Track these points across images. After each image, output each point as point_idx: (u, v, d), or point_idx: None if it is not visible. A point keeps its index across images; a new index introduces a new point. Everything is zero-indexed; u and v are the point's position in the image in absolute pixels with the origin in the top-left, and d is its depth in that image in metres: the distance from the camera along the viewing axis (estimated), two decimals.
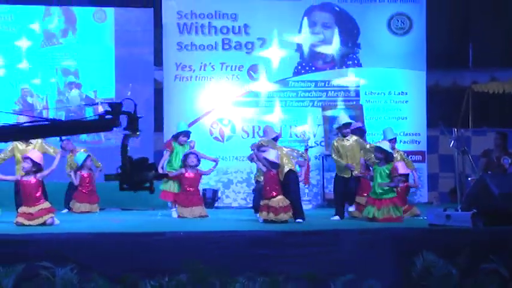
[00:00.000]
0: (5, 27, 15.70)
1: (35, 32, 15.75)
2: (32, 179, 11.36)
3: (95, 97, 15.77)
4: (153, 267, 9.52)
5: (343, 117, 12.46)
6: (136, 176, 6.85)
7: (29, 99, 15.76)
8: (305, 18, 15.81)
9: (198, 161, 12.80)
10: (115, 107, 6.72)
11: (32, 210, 11.26)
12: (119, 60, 15.91)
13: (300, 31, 15.79)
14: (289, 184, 11.68)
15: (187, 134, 12.95)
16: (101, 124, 6.90)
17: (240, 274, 9.38)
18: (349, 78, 15.83)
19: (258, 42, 15.69)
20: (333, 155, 12.32)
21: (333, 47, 15.90)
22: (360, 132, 12.83)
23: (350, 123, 12.48)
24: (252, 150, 12.23)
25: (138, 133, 6.76)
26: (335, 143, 12.41)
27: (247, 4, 15.65)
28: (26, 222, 11.17)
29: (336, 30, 15.91)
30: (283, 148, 12.21)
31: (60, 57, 15.89)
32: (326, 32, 15.92)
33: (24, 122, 6.98)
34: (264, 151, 11.72)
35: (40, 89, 15.84)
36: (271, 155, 11.63)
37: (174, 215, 12.80)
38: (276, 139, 12.36)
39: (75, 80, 15.93)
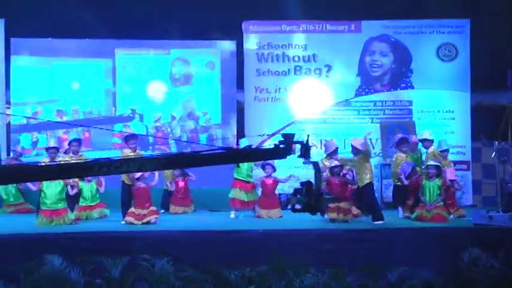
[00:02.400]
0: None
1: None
2: (143, 185, 11.70)
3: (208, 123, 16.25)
4: (237, 259, 9.66)
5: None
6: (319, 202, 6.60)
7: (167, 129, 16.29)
8: (365, 48, 15.81)
9: (274, 169, 13.04)
10: (288, 137, 6.69)
11: (142, 211, 11.50)
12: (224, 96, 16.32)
13: (360, 59, 15.81)
14: (368, 192, 11.96)
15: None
16: (277, 152, 6.75)
17: (311, 266, 9.48)
18: (403, 98, 15.80)
19: (325, 68, 15.77)
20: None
21: (389, 72, 15.89)
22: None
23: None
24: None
25: (310, 159, 6.66)
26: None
27: (316, 36, 15.76)
28: (134, 222, 11.40)
29: (392, 58, 15.90)
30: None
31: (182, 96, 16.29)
32: (383, 59, 15.91)
33: (203, 150, 6.80)
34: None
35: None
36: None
37: (232, 215, 13.01)
38: (335, 151, 12.58)
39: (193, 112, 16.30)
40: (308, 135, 7.28)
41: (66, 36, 15.60)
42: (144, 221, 11.45)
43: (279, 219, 12.55)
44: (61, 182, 11.71)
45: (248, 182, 13.17)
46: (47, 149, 12.95)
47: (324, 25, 15.86)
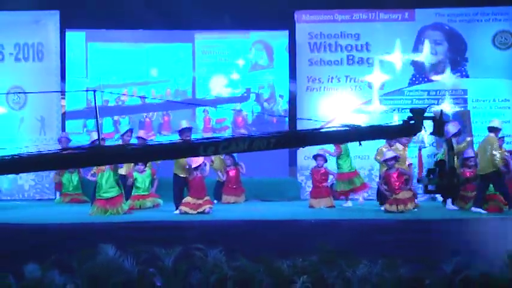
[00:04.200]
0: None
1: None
2: (199, 175, 11.76)
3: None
4: (289, 249, 9.63)
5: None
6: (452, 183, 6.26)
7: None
8: (419, 36, 15.61)
9: (325, 160, 13.03)
10: (418, 113, 6.25)
11: (198, 201, 11.55)
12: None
13: (414, 47, 15.62)
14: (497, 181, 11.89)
15: None
16: (405, 129, 6.42)
17: (363, 256, 9.40)
18: (458, 87, 15.55)
19: (378, 57, 15.62)
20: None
21: (443, 61, 15.67)
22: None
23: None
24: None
25: (445, 137, 6.22)
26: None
27: (368, 25, 15.62)
28: (190, 211, 11.46)
29: (446, 46, 15.67)
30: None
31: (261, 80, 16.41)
32: (437, 48, 15.70)
33: (317, 129, 6.49)
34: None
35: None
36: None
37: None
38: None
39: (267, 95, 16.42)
40: (441, 110, 6.85)
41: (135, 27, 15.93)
42: (200, 210, 11.54)
43: (332, 209, 12.52)
44: (109, 170, 11.86)
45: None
46: (123, 134, 13.24)
47: (377, 14, 15.70)
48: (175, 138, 13.81)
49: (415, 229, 10.25)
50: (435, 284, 9.29)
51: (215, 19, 15.64)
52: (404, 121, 6.18)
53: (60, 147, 12.67)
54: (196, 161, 11.71)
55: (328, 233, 9.96)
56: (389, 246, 9.85)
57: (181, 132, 12.48)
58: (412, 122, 6.16)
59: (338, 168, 13.44)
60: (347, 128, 6.57)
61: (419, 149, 14.18)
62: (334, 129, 6.48)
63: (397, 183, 11.82)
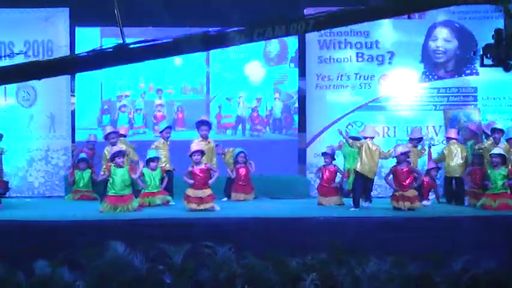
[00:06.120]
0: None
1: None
2: (200, 168, 11.76)
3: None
4: (298, 247, 9.65)
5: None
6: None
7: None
8: (428, 34, 15.59)
9: (333, 158, 13.08)
10: None
11: (201, 194, 11.56)
12: None
13: (423, 45, 15.59)
14: None
15: None
16: None
17: (372, 254, 9.41)
18: (468, 85, 15.53)
19: (387, 55, 15.61)
20: None
21: (453, 58, 15.65)
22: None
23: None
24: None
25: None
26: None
27: (378, 22, 15.53)
28: (197, 207, 11.46)
29: (456, 43, 15.63)
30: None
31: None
32: (447, 45, 15.66)
33: None
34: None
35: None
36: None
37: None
38: (420, 139, 13.43)
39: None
40: None
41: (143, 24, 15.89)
42: (202, 207, 11.50)
43: (340, 207, 12.53)
44: (127, 169, 11.88)
45: None
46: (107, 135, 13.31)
47: None
48: (190, 134, 13.99)
49: (423, 227, 10.25)
50: (444, 281, 9.31)
51: (225, 16, 15.67)
52: None
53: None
54: (191, 148, 11.79)
55: (337, 231, 9.97)
56: (398, 243, 9.86)
57: (199, 124, 12.60)
58: None
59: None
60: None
61: (429, 147, 14.17)
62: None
63: (406, 180, 11.78)
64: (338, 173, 13.15)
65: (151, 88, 16.16)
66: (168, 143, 13.44)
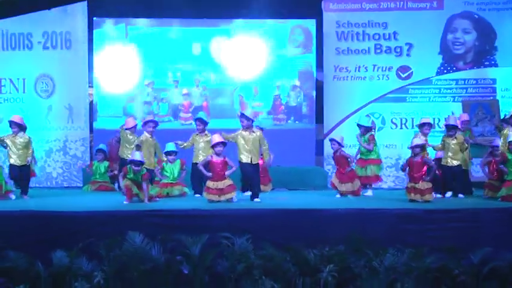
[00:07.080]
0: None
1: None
2: (220, 159, 11.72)
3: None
4: (316, 238, 9.61)
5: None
6: None
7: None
8: (447, 25, 15.49)
9: (339, 145, 12.84)
10: None
11: (221, 185, 11.55)
12: None
13: (442, 36, 15.50)
14: None
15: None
16: None
17: (390, 246, 9.37)
18: (486, 76, 15.42)
19: (406, 46, 15.55)
20: None
21: (472, 50, 15.55)
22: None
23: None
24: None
25: None
26: None
27: (396, 14, 15.53)
28: (216, 198, 11.44)
29: (475, 35, 15.53)
30: None
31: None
32: (466, 37, 15.58)
33: None
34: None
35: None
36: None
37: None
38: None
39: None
40: None
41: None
42: (225, 197, 11.48)
43: (359, 198, 12.47)
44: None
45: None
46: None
47: (406, 2, 15.58)
48: (214, 123, 13.98)
49: (442, 218, 10.17)
50: (463, 274, 9.25)
51: (241, 9, 15.69)
52: None
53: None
54: (213, 139, 11.79)
55: (355, 222, 9.92)
56: (416, 235, 9.80)
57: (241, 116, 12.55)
58: None
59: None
60: None
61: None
62: None
63: (419, 172, 11.65)
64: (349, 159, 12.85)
65: (177, 76, 16.18)
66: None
